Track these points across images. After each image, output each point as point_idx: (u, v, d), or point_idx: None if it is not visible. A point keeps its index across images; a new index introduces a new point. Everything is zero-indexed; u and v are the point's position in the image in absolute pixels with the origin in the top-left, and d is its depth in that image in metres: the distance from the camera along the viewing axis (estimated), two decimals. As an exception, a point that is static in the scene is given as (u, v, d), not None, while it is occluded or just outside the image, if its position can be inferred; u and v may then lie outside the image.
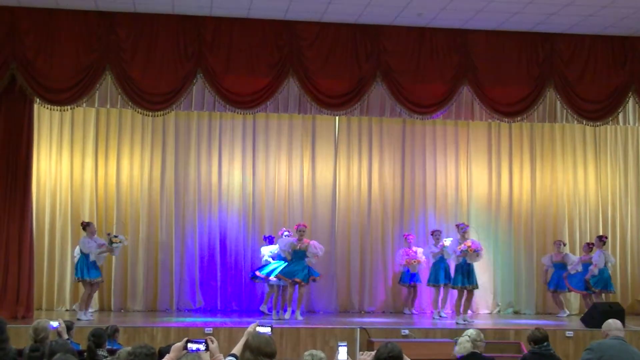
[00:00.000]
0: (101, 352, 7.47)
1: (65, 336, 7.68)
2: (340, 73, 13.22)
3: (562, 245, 14.90)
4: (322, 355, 5.54)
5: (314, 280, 13.47)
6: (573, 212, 16.01)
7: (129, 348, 5.60)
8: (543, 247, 15.74)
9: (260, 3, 12.28)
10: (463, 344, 7.63)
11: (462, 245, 13.37)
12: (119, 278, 14.55)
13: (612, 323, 7.01)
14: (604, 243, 14.55)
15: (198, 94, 13.45)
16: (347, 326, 12.24)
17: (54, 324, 7.71)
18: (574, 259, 14.61)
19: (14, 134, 12.78)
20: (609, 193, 16.16)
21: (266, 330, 5.60)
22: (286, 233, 13.66)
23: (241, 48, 12.99)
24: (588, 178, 16.16)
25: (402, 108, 13.54)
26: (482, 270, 15.35)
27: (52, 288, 14.47)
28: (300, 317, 13.06)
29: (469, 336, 7.70)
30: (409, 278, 14.78)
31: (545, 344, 7.62)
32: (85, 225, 13.07)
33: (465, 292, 13.54)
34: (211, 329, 11.44)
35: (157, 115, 13.37)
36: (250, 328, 5.65)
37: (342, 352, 5.74)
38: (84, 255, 12.79)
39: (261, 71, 13.05)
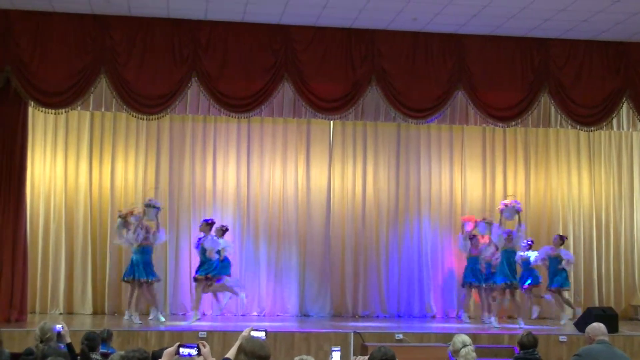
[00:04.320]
0: (95, 356, 7.47)
1: (68, 340, 7.66)
2: (335, 77, 13.23)
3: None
4: (312, 360, 5.55)
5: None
6: (567, 217, 16.03)
7: (122, 352, 5.60)
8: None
9: (255, 7, 12.29)
10: (470, 354, 7.34)
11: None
12: (112, 281, 14.52)
13: (597, 327, 6.99)
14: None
15: (193, 97, 13.46)
16: (341, 330, 12.24)
17: (58, 326, 7.71)
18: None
19: (8, 138, 12.75)
20: (603, 198, 16.19)
21: (260, 334, 5.61)
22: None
23: (236, 52, 13.00)
24: (582, 183, 16.19)
25: (396, 112, 13.55)
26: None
27: (45, 291, 14.43)
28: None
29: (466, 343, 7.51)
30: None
31: (531, 350, 7.57)
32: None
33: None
34: (205, 333, 11.44)
35: (152, 119, 13.39)
36: (244, 332, 5.66)
37: (336, 357, 5.76)
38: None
39: (256, 75, 13.04)
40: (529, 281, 14.33)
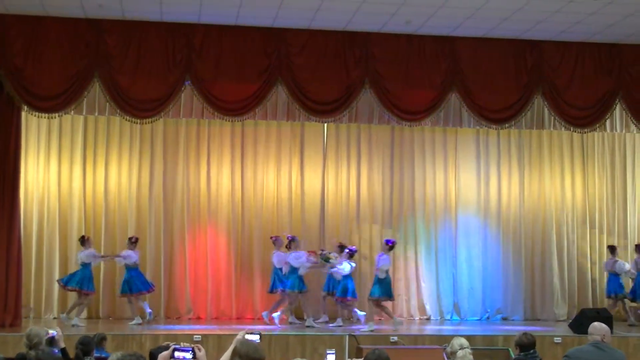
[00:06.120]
0: (89, 360, 7.44)
1: (62, 344, 7.62)
2: (329, 80, 13.23)
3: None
4: (308, 363, 5.55)
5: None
6: (561, 218, 16.04)
7: (117, 353, 5.57)
8: (531, 253, 15.80)
9: (249, 10, 12.29)
10: (467, 356, 7.38)
11: None
12: (107, 286, 14.50)
13: (597, 326, 6.93)
14: None
15: (186, 101, 13.45)
16: (336, 333, 12.23)
17: (52, 331, 7.67)
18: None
19: (2, 142, 12.72)
20: (596, 199, 16.22)
21: (255, 337, 5.60)
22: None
23: (230, 55, 12.99)
24: (575, 184, 16.22)
25: (390, 115, 13.56)
26: (471, 276, 15.44)
27: (39, 296, 14.41)
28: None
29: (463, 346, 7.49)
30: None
31: (532, 350, 7.50)
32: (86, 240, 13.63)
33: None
34: (200, 336, 11.42)
35: (146, 123, 13.38)
36: (239, 335, 5.64)
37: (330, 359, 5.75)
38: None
39: (250, 78, 13.04)
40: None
